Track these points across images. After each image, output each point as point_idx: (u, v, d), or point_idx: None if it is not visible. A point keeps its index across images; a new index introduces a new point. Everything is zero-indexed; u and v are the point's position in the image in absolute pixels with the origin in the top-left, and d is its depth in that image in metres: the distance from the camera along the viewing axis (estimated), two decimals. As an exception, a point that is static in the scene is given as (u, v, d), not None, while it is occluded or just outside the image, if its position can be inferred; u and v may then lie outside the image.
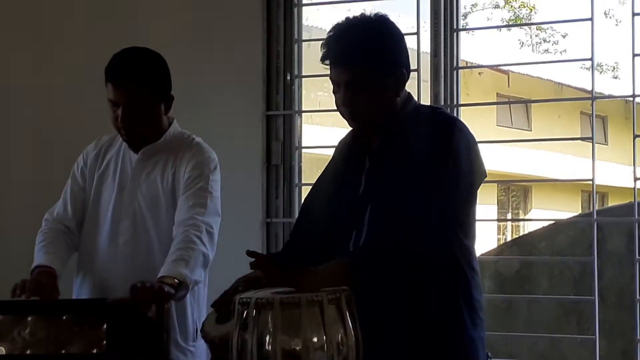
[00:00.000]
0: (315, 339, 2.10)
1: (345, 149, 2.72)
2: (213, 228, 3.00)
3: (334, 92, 2.56)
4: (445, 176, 2.43)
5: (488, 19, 26.58)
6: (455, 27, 4.03)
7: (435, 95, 4.01)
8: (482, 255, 4.05)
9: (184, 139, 3.18)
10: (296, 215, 3.87)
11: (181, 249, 2.86)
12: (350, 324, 2.16)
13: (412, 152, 2.47)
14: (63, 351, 2.71)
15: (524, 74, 19.55)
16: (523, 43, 27.70)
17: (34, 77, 4.33)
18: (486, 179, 2.60)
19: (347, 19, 2.55)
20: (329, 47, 2.53)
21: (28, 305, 2.83)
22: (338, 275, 2.31)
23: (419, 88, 3.87)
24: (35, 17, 4.38)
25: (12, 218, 4.02)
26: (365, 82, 2.49)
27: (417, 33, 3.98)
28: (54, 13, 4.35)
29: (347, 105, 2.52)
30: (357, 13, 2.59)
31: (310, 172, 4.25)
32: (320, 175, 2.80)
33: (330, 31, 2.55)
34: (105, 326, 2.72)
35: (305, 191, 3.59)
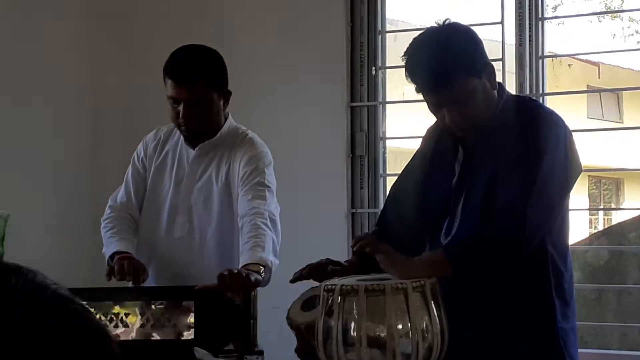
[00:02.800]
0: (400, 326, 2.12)
1: (436, 137, 2.71)
2: (276, 216, 3.03)
3: (434, 113, 2.53)
4: (541, 169, 2.41)
5: (578, 11, 26.10)
6: (540, 16, 3.99)
7: (520, 84, 3.97)
8: (571, 245, 4.00)
9: (238, 135, 3.19)
10: (381, 205, 3.87)
11: (253, 237, 2.89)
12: (435, 311, 2.17)
13: (509, 144, 2.46)
14: (152, 337, 2.78)
15: (614, 66, 19.14)
16: (615, 35, 27.08)
17: (122, 77, 4.45)
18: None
19: (418, 40, 2.51)
20: (416, 76, 2.49)
21: (119, 291, 2.91)
22: (432, 265, 2.32)
23: (504, 78, 3.84)
24: (123, 19, 4.49)
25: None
26: (467, 94, 2.46)
27: (502, 23, 3.96)
28: (141, 13, 4.46)
29: (458, 121, 2.49)
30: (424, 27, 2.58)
31: (394, 164, 4.26)
32: (408, 163, 2.79)
33: (406, 58, 2.50)
34: (193, 313, 2.78)
35: (390, 182, 3.60)
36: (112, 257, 3.06)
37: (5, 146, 4.11)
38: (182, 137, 3.19)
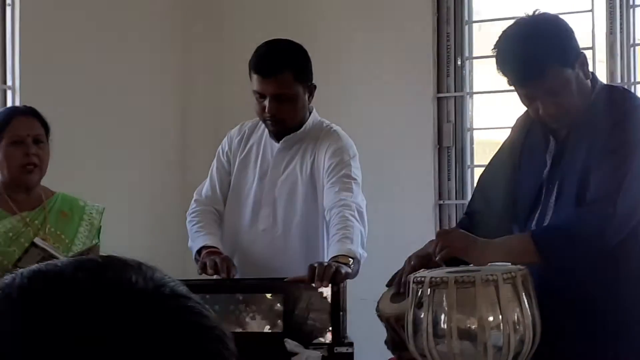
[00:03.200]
0: (490, 318, 2.10)
1: (526, 127, 2.67)
2: (363, 208, 3.03)
3: (527, 105, 2.50)
4: (633, 161, 2.37)
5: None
6: (631, 3, 3.91)
7: (611, 73, 3.90)
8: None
9: (322, 128, 3.19)
10: (468, 197, 3.85)
11: (342, 229, 2.89)
12: (526, 303, 2.14)
13: (602, 135, 2.42)
14: (240, 329, 2.80)
15: None
16: None
17: (209, 75, 4.51)
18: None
19: (507, 32, 2.48)
20: (507, 69, 2.45)
21: (210, 284, 2.95)
22: (517, 250, 2.31)
23: (594, 67, 3.77)
24: (209, 17, 4.54)
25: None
26: (561, 85, 2.42)
27: (592, 11, 3.89)
28: (226, 11, 4.50)
29: (552, 113, 2.45)
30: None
31: (482, 155, 4.22)
32: (497, 153, 2.76)
33: (496, 51, 2.47)
34: (282, 305, 2.80)
35: (478, 173, 3.57)
36: (199, 251, 3.11)
37: (99, 143, 4.20)
38: (266, 131, 3.21)
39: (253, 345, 2.74)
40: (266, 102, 3.05)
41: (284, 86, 3.05)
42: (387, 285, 2.56)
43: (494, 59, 2.51)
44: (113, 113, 4.25)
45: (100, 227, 3.14)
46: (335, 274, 2.71)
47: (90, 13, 4.19)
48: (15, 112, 3.05)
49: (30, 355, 0.70)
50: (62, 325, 0.71)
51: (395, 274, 2.55)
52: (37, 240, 2.79)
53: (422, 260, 2.46)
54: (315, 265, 2.72)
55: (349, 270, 2.78)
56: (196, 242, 3.16)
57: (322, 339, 2.75)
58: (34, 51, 3.98)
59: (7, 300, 0.73)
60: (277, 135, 3.18)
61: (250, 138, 3.28)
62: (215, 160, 3.34)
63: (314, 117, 3.21)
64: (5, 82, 3.97)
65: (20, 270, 0.76)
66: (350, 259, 2.81)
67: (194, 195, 3.34)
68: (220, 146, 3.35)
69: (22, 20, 3.94)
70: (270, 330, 2.80)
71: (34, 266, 0.77)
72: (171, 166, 4.54)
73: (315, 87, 3.15)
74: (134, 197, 4.31)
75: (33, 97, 3.85)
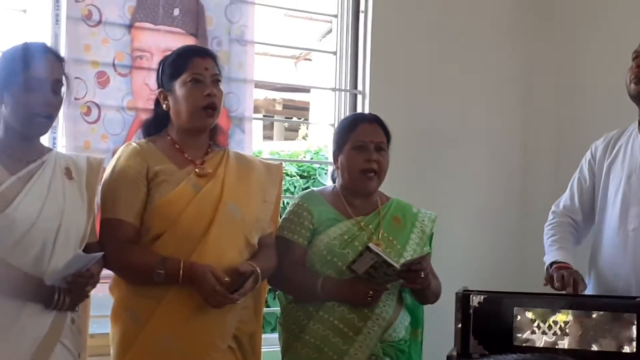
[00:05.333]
0: None
1: None
2: None
3: None
4: None
5: None
6: None
7: None
8: None
9: None
10: None
11: None
12: None
13: None
14: (593, 347, 2.72)
15: None
16: None
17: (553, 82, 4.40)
18: None
19: None
20: None
21: (557, 298, 2.87)
22: None
23: None
24: (550, 18, 4.42)
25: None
26: None
27: None
28: (567, 12, 4.36)
29: None
30: None
31: None
32: None
33: None
34: (635, 325, 2.66)
35: None
36: (550, 265, 3.09)
37: (438, 149, 4.23)
38: (633, 132, 3.17)
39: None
40: None
41: None
42: None
43: None
44: (454, 118, 4.26)
45: (432, 234, 3.14)
46: None
47: (434, 17, 4.23)
48: (361, 119, 3.14)
49: None
50: None
51: None
52: (371, 245, 2.84)
53: None
54: None
55: None
56: (548, 256, 3.16)
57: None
58: (383, 57, 4.07)
59: None
60: None
61: (617, 142, 3.23)
62: (577, 172, 3.32)
63: None
64: (356, 86, 4.10)
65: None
66: None
67: (552, 207, 3.35)
68: (584, 157, 3.32)
69: (374, 27, 4.05)
70: (621, 351, 2.69)
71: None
72: (512, 175, 4.46)
73: None
74: (469, 205, 4.28)
75: (381, 102, 3.96)
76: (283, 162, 3.88)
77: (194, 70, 2.76)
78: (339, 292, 2.91)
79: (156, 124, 2.85)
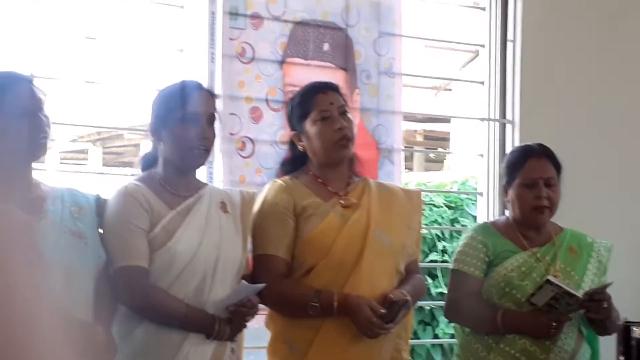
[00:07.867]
0: None
1: None
2: None
3: None
4: None
5: None
6: None
7: None
8: None
9: None
10: None
11: None
12: None
13: None
14: None
15: None
16: None
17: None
18: None
19: None
20: None
21: None
22: None
23: None
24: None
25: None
26: None
27: None
28: None
29: None
30: None
31: None
32: None
33: None
34: None
35: None
36: None
37: (605, 176, 4.15)
38: None
39: None
40: None
41: None
42: None
43: None
44: (612, 143, 4.16)
45: (607, 265, 3.06)
46: None
47: (583, 45, 4.16)
48: (530, 154, 3.04)
49: None
50: None
51: None
52: (550, 277, 2.80)
53: None
54: None
55: None
56: None
57: None
58: (533, 86, 4.03)
59: None
60: None
61: None
62: None
63: None
64: (504, 115, 4.06)
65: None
66: None
67: None
68: None
69: (523, 55, 4.01)
70: None
71: None
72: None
73: None
74: (627, 233, 4.14)
75: (532, 132, 3.90)
76: (427, 193, 3.86)
77: (321, 108, 2.81)
78: (520, 325, 2.88)
79: (294, 164, 2.90)
